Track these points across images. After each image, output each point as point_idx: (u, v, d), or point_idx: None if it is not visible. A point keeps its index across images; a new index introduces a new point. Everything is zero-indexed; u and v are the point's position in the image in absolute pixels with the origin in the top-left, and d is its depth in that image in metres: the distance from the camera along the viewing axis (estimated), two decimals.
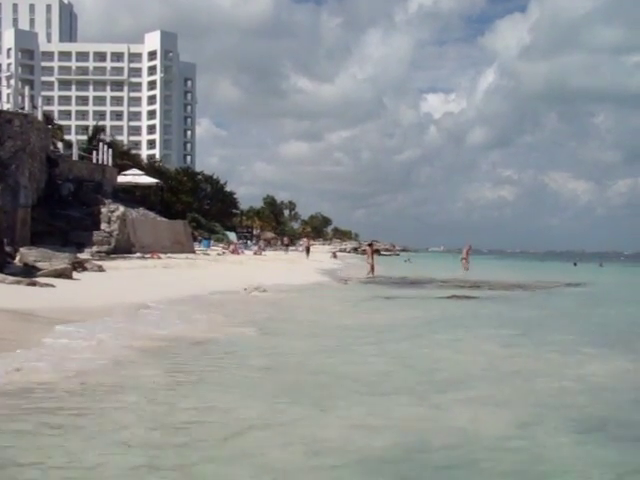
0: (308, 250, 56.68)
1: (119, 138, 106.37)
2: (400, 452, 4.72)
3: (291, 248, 63.76)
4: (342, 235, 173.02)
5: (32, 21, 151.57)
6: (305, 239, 64.81)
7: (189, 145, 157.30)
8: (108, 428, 4.93)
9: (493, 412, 5.99)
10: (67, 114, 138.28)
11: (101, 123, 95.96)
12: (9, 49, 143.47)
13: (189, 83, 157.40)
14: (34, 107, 33.97)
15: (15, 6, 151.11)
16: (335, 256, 65.39)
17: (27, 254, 17.11)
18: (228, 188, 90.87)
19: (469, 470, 4.48)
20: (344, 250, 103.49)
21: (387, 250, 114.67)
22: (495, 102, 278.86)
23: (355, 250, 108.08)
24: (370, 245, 34.67)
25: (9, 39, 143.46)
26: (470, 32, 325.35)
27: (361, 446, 4.82)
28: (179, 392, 6.31)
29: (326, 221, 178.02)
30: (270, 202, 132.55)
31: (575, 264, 46.26)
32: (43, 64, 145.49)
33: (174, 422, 5.21)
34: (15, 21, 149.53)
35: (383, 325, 12.73)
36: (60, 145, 43.53)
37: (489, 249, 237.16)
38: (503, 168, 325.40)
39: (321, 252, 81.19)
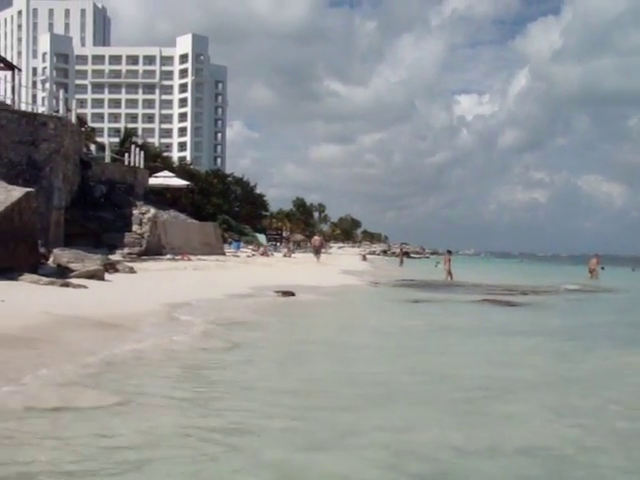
0: (318, 251, 45.78)
1: (151, 140, 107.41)
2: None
3: (322, 250, 56.36)
4: (371, 237, 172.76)
5: (67, 25, 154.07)
6: (316, 237, 51.92)
7: (219, 147, 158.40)
8: None
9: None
10: (100, 117, 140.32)
11: (133, 126, 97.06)
12: (44, 53, 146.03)
13: (220, 86, 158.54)
14: (68, 110, 34.43)
15: (51, 11, 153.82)
16: (365, 259, 65.22)
17: (60, 255, 17.31)
18: (258, 190, 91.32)
19: None
20: (374, 252, 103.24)
21: (417, 253, 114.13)
22: (527, 104, 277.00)
23: (384, 252, 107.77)
24: (449, 252, 35.37)
25: (45, 43, 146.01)
26: (503, 34, 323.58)
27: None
28: None
29: (355, 223, 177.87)
30: (300, 204, 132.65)
31: (603, 268, 45.30)
32: (77, 67, 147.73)
33: None
34: (51, 26, 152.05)
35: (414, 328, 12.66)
36: (93, 147, 44.21)
37: (520, 252, 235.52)
38: (535, 171, 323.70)
39: (350, 254, 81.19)
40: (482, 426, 5.54)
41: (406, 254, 66.33)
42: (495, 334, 12.08)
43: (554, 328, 13.54)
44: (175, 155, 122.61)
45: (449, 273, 33.22)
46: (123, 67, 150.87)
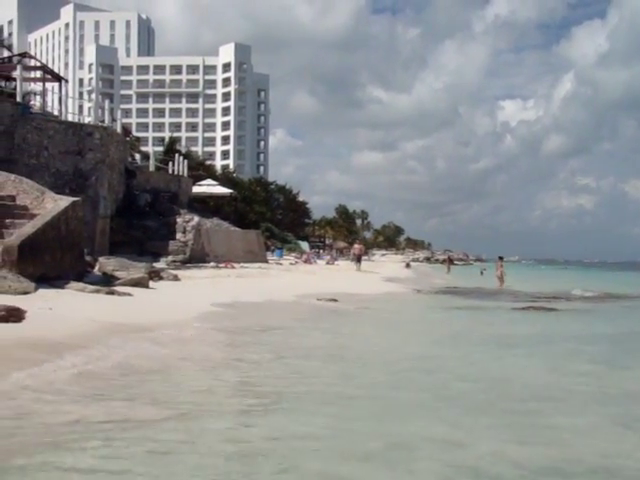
0: (359, 259, 44.07)
1: (194, 149, 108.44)
2: None
3: (364, 258, 53.61)
4: (414, 244, 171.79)
5: (112, 37, 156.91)
6: (356, 245, 49.55)
7: (262, 155, 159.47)
8: None
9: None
10: (144, 126, 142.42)
11: (177, 134, 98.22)
12: (90, 64, 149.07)
13: (262, 94, 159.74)
14: (113, 120, 34.96)
15: (97, 23, 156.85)
16: (408, 266, 64.81)
17: (106, 263, 17.49)
18: (301, 198, 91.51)
19: None
20: (417, 260, 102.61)
21: (460, 260, 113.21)
22: (572, 109, 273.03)
23: (428, 260, 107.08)
24: (501, 258, 35.06)
25: (91, 55, 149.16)
26: (547, 38, 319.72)
27: None
28: None
29: (398, 230, 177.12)
30: (343, 211, 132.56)
31: None
32: (122, 78, 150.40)
33: None
34: (96, 37, 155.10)
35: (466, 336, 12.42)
36: (137, 157, 44.73)
37: (565, 259, 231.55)
38: (581, 176, 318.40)
39: (393, 262, 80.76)
40: (543, 439, 5.23)
41: (450, 261, 65.59)
42: (543, 342, 11.76)
43: (604, 335, 13.20)
44: (218, 163, 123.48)
45: (501, 279, 32.94)
46: (167, 77, 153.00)
